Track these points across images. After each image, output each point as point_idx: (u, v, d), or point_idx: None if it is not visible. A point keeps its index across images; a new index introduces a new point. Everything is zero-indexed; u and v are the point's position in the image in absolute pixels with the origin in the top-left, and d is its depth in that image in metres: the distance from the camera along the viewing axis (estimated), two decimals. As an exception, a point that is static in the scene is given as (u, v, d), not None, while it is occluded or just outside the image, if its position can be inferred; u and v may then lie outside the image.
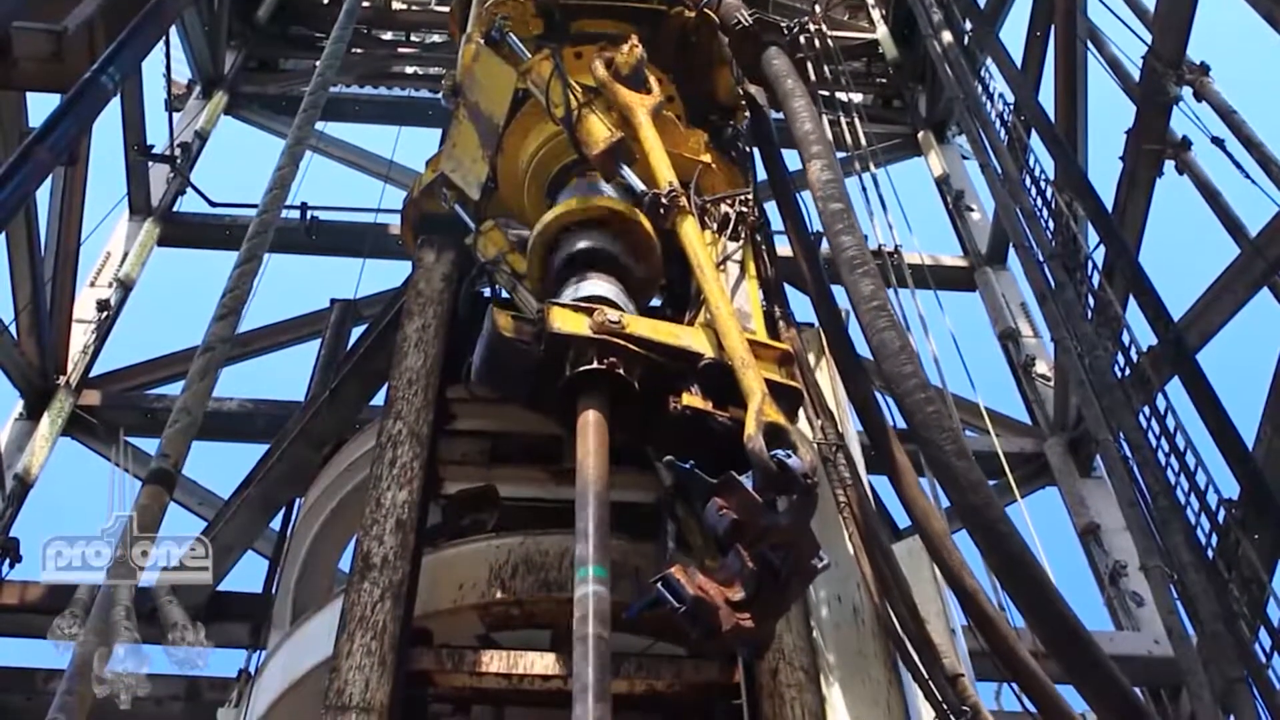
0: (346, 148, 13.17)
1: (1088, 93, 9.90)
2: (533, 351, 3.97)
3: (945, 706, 3.91)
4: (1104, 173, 9.40)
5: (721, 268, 4.67)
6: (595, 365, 3.87)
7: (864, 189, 9.38)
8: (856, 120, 10.27)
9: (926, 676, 3.98)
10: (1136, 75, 8.96)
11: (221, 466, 9.60)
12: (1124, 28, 9.21)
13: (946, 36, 11.18)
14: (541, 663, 3.96)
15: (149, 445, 8.72)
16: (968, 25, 11.25)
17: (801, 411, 4.42)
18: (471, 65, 5.60)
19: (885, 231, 9.06)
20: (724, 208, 4.96)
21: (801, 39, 5.72)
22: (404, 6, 15.25)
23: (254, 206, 6.56)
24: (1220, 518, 6.19)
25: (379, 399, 5.30)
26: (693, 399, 3.88)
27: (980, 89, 10.34)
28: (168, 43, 11.51)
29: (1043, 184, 8.89)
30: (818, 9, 13.46)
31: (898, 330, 3.98)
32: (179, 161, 11.78)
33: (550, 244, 4.73)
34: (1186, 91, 8.51)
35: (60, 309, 9.69)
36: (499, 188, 5.51)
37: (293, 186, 6.97)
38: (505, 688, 3.98)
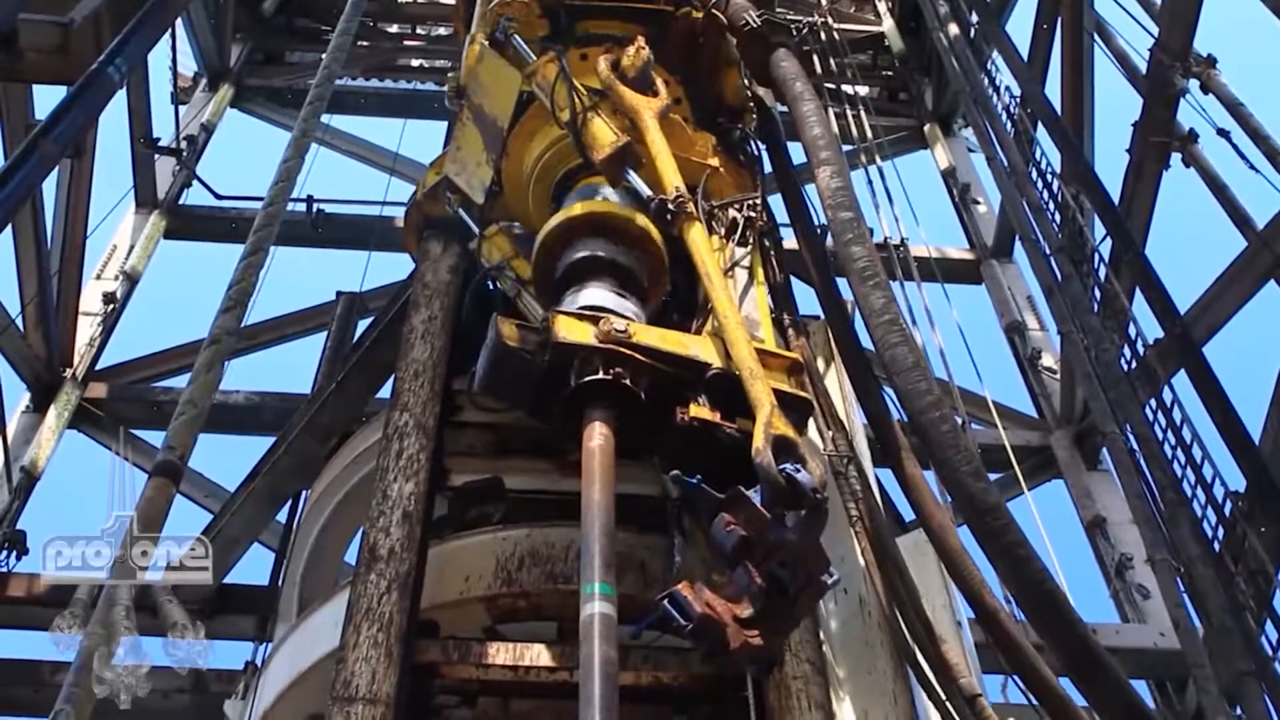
0: (352, 140, 13.16)
1: (1094, 85, 9.90)
2: (537, 361, 3.93)
3: None
4: (1110, 165, 9.39)
5: (729, 274, 4.61)
6: (601, 375, 3.84)
7: (870, 182, 9.37)
8: (863, 113, 10.25)
9: (944, 697, 3.92)
10: (1143, 68, 8.95)
11: (228, 459, 9.61)
12: (1131, 20, 9.20)
13: (953, 29, 11.18)
14: (547, 655, 3.96)
15: (155, 438, 8.76)
16: (974, 18, 11.25)
17: (811, 422, 4.36)
18: (476, 67, 5.54)
19: (891, 224, 9.05)
20: (732, 212, 4.90)
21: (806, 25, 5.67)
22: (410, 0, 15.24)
23: (260, 199, 6.55)
24: (1227, 510, 6.19)
25: (385, 391, 5.32)
26: (700, 410, 3.85)
27: (986, 82, 10.34)
28: (174, 36, 11.55)
29: (1049, 177, 8.90)
30: (824, 2, 13.43)
31: (910, 345, 3.94)
32: (185, 154, 11.78)
33: (555, 250, 4.67)
34: (1193, 84, 8.48)
35: (66, 302, 9.70)
36: (503, 191, 5.46)
37: (298, 179, 6.96)
38: (511, 680, 3.99)
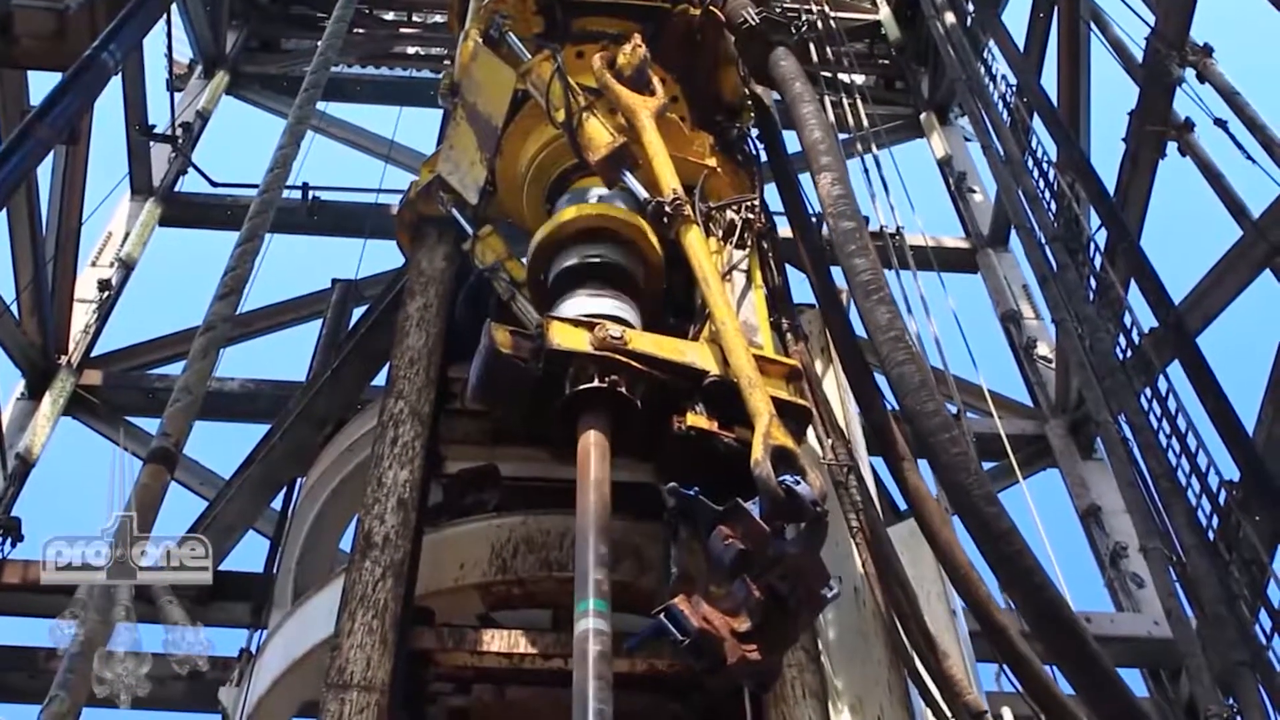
0: (348, 128, 13.17)
1: (1090, 74, 9.91)
2: (531, 369, 3.84)
3: None
4: (1107, 154, 9.40)
5: (727, 278, 4.52)
6: (596, 383, 3.77)
7: (866, 171, 9.38)
8: (859, 102, 10.24)
9: (949, 715, 3.87)
10: (1140, 56, 8.95)
11: (223, 446, 9.62)
12: (1127, 9, 9.19)
13: (949, 18, 11.18)
14: (542, 642, 3.97)
15: (150, 425, 8.75)
16: (970, 7, 11.25)
17: (810, 430, 4.27)
18: (469, 65, 5.44)
19: (887, 213, 9.06)
20: (730, 214, 4.81)
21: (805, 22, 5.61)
22: (405, -13, 15.22)
23: (255, 186, 6.55)
24: (1221, 500, 6.20)
25: (381, 379, 5.30)
26: (697, 419, 3.78)
27: (983, 70, 10.35)
28: (169, 22, 11.52)
29: (1045, 165, 8.91)
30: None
31: (917, 363, 3.85)
32: (180, 141, 11.79)
33: (550, 253, 4.61)
34: (1190, 73, 8.49)
35: (62, 289, 9.70)
36: (497, 191, 5.34)
37: (294, 166, 6.96)
38: (506, 667, 3.98)
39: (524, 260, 4.84)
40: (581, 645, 3.12)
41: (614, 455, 3.68)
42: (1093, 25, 9.80)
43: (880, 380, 4.32)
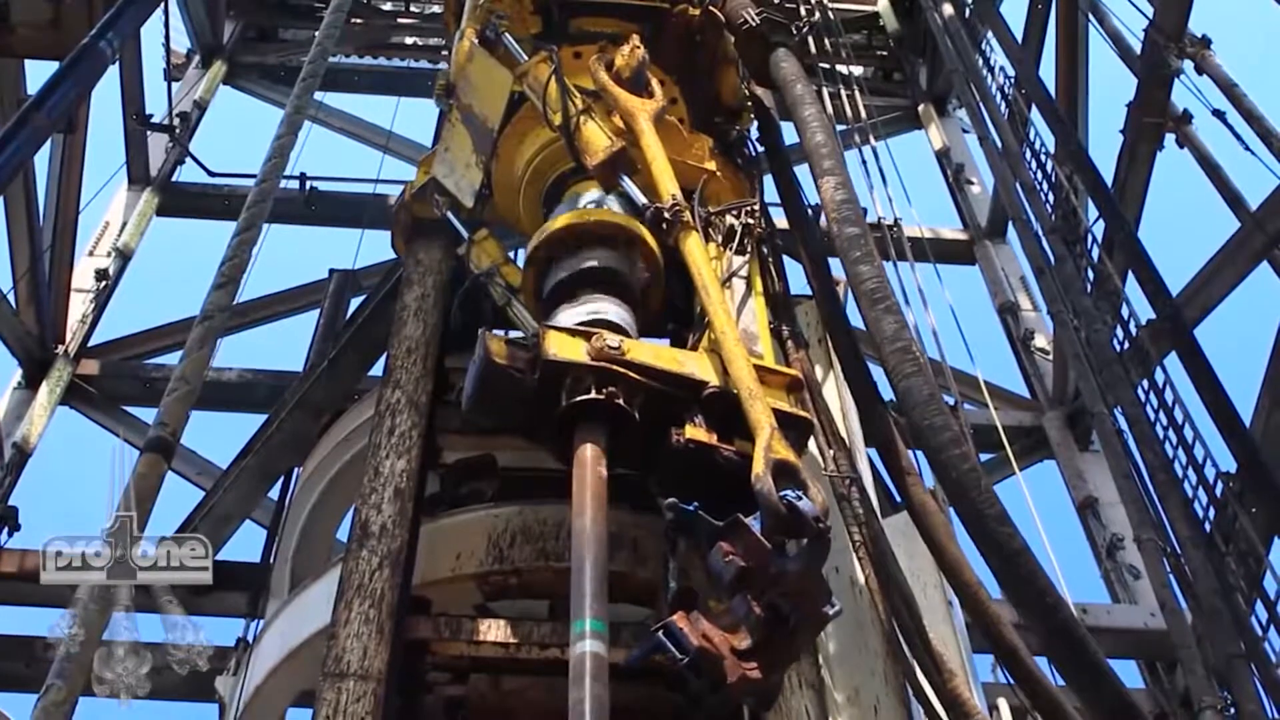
0: (345, 118, 13.18)
1: (1089, 66, 9.91)
2: (527, 380, 3.77)
3: None
4: (1104, 146, 9.42)
5: (727, 285, 4.43)
6: (593, 395, 3.69)
7: (864, 162, 9.35)
8: (857, 93, 10.23)
9: None
10: (1138, 48, 8.95)
11: (220, 436, 9.63)
12: (1125, 1, 9.19)
13: (947, 9, 11.16)
14: (539, 632, 3.97)
15: (147, 415, 8.76)
16: (969, -2, 11.24)
17: (812, 441, 4.18)
18: (465, 66, 5.35)
19: (885, 205, 9.04)
20: (730, 220, 4.70)
21: (803, 11, 5.57)
22: (403, -24, 15.20)
23: (253, 176, 6.53)
24: (1218, 492, 6.21)
25: (378, 368, 5.29)
26: (696, 431, 3.70)
27: (981, 62, 10.33)
28: (166, 12, 11.50)
29: (1043, 157, 8.90)
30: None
31: (925, 375, 3.76)
32: (178, 131, 11.79)
33: (546, 260, 4.55)
34: (1188, 65, 8.49)
35: (59, 278, 9.71)
36: (493, 194, 5.27)
37: (291, 156, 6.94)
38: (503, 656, 3.98)
39: (520, 265, 4.79)
40: (579, 667, 3.05)
41: (611, 467, 3.61)
42: (1091, 17, 9.80)
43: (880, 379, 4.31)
